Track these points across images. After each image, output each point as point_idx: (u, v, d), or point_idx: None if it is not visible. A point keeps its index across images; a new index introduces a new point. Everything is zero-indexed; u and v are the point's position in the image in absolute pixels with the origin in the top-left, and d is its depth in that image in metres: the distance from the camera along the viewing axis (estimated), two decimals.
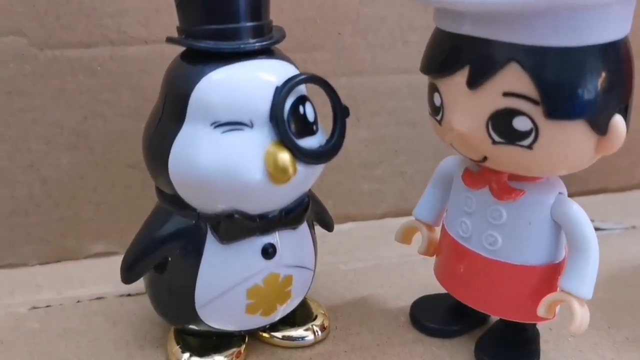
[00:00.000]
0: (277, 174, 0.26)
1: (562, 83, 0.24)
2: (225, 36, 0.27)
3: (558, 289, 0.29)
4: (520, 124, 0.25)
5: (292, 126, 0.27)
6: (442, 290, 0.34)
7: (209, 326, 0.31)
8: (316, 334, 0.34)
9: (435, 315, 0.35)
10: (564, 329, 0.34)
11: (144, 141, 0.29)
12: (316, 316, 0.35)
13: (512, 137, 0.26)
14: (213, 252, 0.29)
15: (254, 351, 0.33)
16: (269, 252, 0.29)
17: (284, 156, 0.26)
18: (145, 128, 0.29)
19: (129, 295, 0.39)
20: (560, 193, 0.29)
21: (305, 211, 0.30)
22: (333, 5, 0.43)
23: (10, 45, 0.38)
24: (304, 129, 0.28)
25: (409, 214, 0.36)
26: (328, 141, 0.28)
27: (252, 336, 0.34)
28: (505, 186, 0.29)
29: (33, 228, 0.42)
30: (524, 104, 0.25)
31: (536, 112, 0.25)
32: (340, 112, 0.29)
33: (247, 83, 0.26)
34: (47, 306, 0.38)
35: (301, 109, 0.28)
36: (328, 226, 0.36)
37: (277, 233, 0.30)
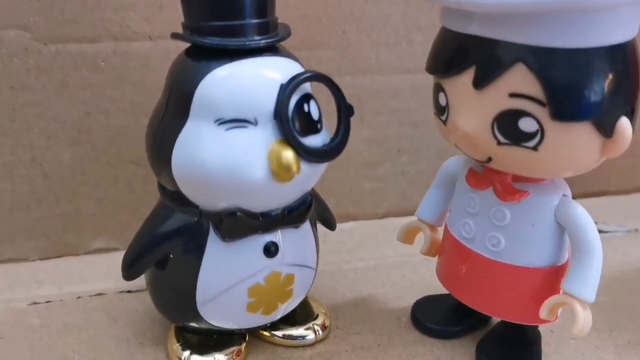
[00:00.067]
0: (280, 172, 0.26)
1: (569, 84, 0.24)
2: (231, 33, 0.27)
3: (561, 291, 0.29)
4: (526, 125, 0.25)
5: (297, 124, 0.27)
6: (444, 291, 0.34)
7: (210, 324, 0.31)
8: (317, 333, 0.34)
9: (437, 316, 0.35)
10: (566, 331, 0.34)
11: (147, 137, 0.29)
12: (317, 315, 0.35)
13: (518, 138, 0.25)
14: (215, 250, 0.29)
15: (254, 350, 0.33)
16: (271, 250, 0.29)
17: (288, 154, 0.26)
18: (149, 124, 0.29)
19: (129, 291, 0.39)
20: (564, 195, 0.29)
21: (308, 210, 0.30)
22: (338, 3, 0.43)
23: (14, 40, 0.38)
24: (308, 127, 0.27)
25: (410, 213, 0.36)
26: (332, 140, 0.28)
27: (252, 334, 0.34)
28: (510, 187, 0.29)
29: (34, 223, 0.42)
30: (530, 105, 0.25)
31: (542, 113, 0.24)
32: (345, 111, 0.29)
33: (252, 80, 0.26)
34: (48, 302, 0.38)
35: (306, 107, 0.27)
36: (330, 225, 0.36)
37: (279, 231, 0.29)
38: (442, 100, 0.28)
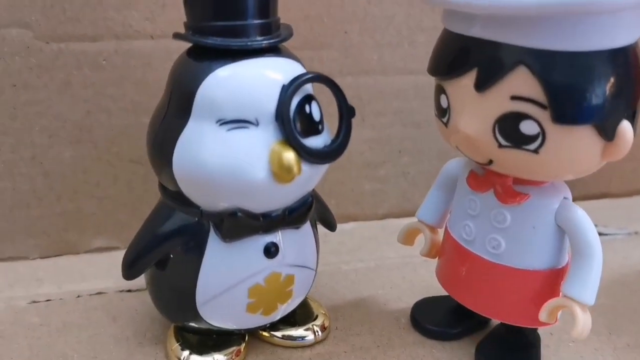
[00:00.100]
0: (281, 173, 0.26)
1: (571, 88, 0.24)
2: (233, 33, 0.27)
3: (560, 294, 0.29)
4: (527, 128, 0.25)
5: (298, 125, 0.27)
6: (444, 293, 0.34)
7: (209, 324, 0.31)
8: (316, 334, 0.34)
9: (436, 318, 0.35)
10: (565, 334, 0.34)
11: (148, 137, 0.29)
12: (317, 316, 0.35)
13: (519, 141, 0.25)
14: (215, 250, 0.29)
15: (253, 350, 0.33)
16: (271, 251, 0.29)
17: (289, 155, 0.26)
18: (150, 124, 0.29)
19: (129, 291, 0.39)
20: (565, 198, 0.29)
21: (309, 211, 0.30)
22: (341, 3, 0.43)
23: (16, 38, 0.38)
24: (309, 128, 0.27)
25: (411, 214, 0.36)
26: (333, 141, 0.28)
27: (252, 335, 0.34)
28: (510, 190, 0.29)
29: (35, 221, 0.42)
30: (531, 108, 0.25)
31: (544, 116, 0.24)
32: (346, 112, 0.29)
33: (254, 81, 0.26)
34: (47, 300, 0.38)
35: (307, 108, 0.27)
36: (331, 226, 0.36)
37: (279, 232, 0.29)
38: (444, 102, 0.28)
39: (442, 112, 0.29)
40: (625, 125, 0.25)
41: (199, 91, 0.26)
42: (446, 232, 0.33)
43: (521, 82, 0.25)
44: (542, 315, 0.29)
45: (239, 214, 0.27)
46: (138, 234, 0.30)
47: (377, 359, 0.33)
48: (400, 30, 0.44)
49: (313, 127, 0.28)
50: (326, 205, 0.35)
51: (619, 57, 0.24)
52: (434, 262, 0.35)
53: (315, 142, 0.27)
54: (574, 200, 0.30)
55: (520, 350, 0.33)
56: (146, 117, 0.30)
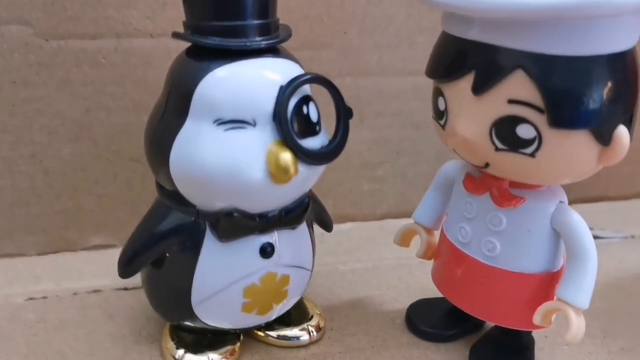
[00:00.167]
0: (278, 174, 0.26)
1: (568, 92, 0.24)
2: (232, 33, 0.27)
3: (555, 297, 0.29)
4: (524, 131, 0.25)
5: (295, 126, 0.27)
6: (439, 294, 0.34)
7: (205, 323, 0.31)
8: (311, 334, 0.34)
9: (431, 319, 0.35)
10: (560, 337, 0.34)
11: (146, 135, 0.29)
12: (312, 316, 0.35)
13: (516, 144, 0.26)
14: (211, 250, 0.29)
15: (248, 349, 0.33)
16: (267, 251, 0.29)
17: (286, 156, 0.26)
18: (148, 122, 0.29)
19: (125, 289, 0.39)
20: (560, 202, 0.29)
21: (305, 211, 0.30)
22: (341, 4, 0.43)
23: (16, 35, 0.38)
24: (306, 129, 0.27)
25: (409, 215, 0.36)
26: (330, 142, 0.28)
27: (247, 334, 0.34)
28: (506, 193, 0.29)
29: (34, 219, 0.42)
30: (528, 111, 0.25)
31: (540, 120, 0.25)
32: (344, 113, 0.29)
33: (252, 81, 0.26)
34: (44, 297, 0.38)
35: (305, 109, 0.27)
36: (327, 226, 0.36)
37: (275, 232, 0.29)
38: (441, 105, 0.28)
39: (440, 115, 0.29)
40: (622, 130, 0.25)
41: (197, 91, 0.26)
42: (442, 234, 0.33)
43: (518, 85, 0.25)
44: (537, 319, 0.29)
45: (236, 214, 0.28)
46: (134, 232, 0.30)
47: None
48: (399, 31, 0.44)
49: (310, 128, 0.28)
50: (323, 206, 0.35)
51: (617, 62, 0.25)
52: (429, 264, 0.35)
53: (312, 143, 0.28)
54: (571, 203, 0.30)
55: (514, 352, 0.33)
56: (146, 115, 0.30)
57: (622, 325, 0.37)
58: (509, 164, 0.27)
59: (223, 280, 0.29)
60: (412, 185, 0.49)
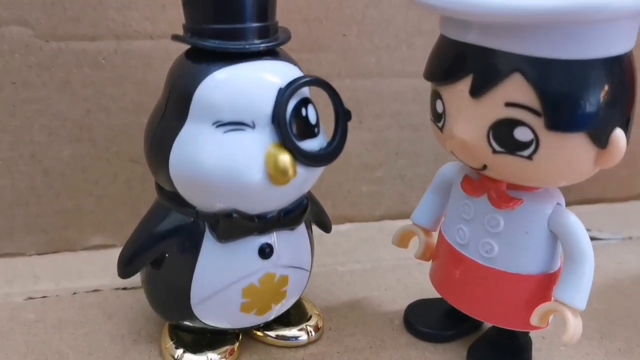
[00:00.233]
0: (277, 176, 0.26)
1: (565, 95, 0.24)
2: (231, 36, 0.27)
3: (552, 298, 0.29)
4: (521, 134, 0.25)
5: (294, 128, 0.27)
6: (437, 295, 0.34)
7: (204, 323, 0.31)
8: (310, 334, 0.34)
9: (429, 320, 0.36)
10: (557, 337, 0.34)
11: (145, 137, 0.29)
12: (310, 317, 0.35)
13: (513, 147, 0.26)
14: (210, 250, 0.29)
15: (247, 349, 0.34)
16: (266, 252, 0.29)
17: (285, 158, 0.26)
18: (148, 124, 0.29)
19: (124, 288, 0.39)
20: (558, 204, 0.29)
21: (304, 213, 0.30)
22: (339, 6, 0.43)
23: (16, 36, 0.38)
24: (305, 131, 0.28)
25: (407, 217, 0.36)
26: (329, 144, 0.29)
27: (246, 334, 0.34)
28: (504, 195, 0.29)
29: (34, 219, 0.42)
30: (525, 114, 0.25)
31: (537, 123, 0.25)
32: (342, 116, 0.29)
33: (251, 84, 0.26)
34: (44, 297, 0.38)
35: (303, 111, 0.28)
36: (326, 227, 0.36)
37: (274, 233, 0.30)
38: (439, 108, 0.28)
39: (438, 117, 0.29)
40: (619, 134, 0.25)
41: (196, 93, 0.26)
42: (440, 235, 0.33)
43: (516, 89, 0.25)
44: (534, 320, 0.29)
45: (235, 215, 0.28)
46: (134, 233, 0.30)
47: None
48: (398, 34, 0.44)
49: (309, 130, 0.28)
50: (321, 207, 0.35)
51: (614, 66, 0.25)
52: (428, 265, 0.35)
53: (311, 145, 0.28)
54: (569, 204, 0.30)
55: (512, 353, 0.33)
56: (145, 116, 0.30)
57: (620, 326, 0.37)
58: (506, 167, 0.27)
59: (222, 281, 0.29)
60: (411, 186, 0.50)
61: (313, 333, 0.34)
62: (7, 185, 0.41)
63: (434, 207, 0.34)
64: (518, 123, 0.25)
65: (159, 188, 0.30)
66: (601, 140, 0.25)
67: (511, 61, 0.25)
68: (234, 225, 0.28)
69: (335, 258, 0.44)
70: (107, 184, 0.43)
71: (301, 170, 0.27)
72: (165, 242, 0.29)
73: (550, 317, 0.30)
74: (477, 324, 0.35)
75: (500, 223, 0.29)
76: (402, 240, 0.36)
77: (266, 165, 0.26)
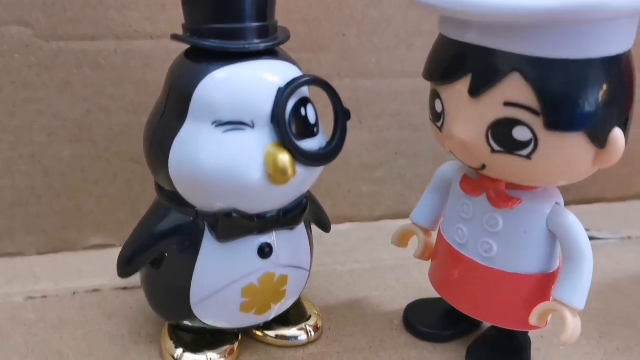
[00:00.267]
0: (276, 175, 0.26)
1: (564, 95, 0.24)
2: (230, 36, 0.27)
3: (551, 298, 0.30)
4: (520, 134, 0.25)
5: (293, 128, 0.27)
6: (437, 295, 0.34)
7: (203, 323, 0.31)
8: (309, 334, 0.34)
9: (429, 320, 0.36)
10: (556, 337, 0.34)
11: (145, 137, 0.29)
12: (310, 316, 0.35)
13: (512, 146, 0.26)
14: (210, 250, 0.29)
15: (247, 349, 0.34)
16: (265, 251, 0.29)
17: (284, 157, 0.26)
18: (147, 123, 0.29)
19: (124, 288, 0.39)
20: (557, 203, 0.29)
21: (303, 212, 0.31)
22: (339, 6, 0.43)
23: (16, 36, 0.38)
24: (305, 130, 0.28)
25: (407, 216, 0.36)
26: (328, 144, 0.29)
27: (245, 334, 0.34)
28: (503, 194, 0.29)
29: (34, 219, 0.42)
30: (524, 114, 0.25)
31: (536, 122, 0.25)
32: (342, 115, 0.29)
33: (250, 83, 0.27)
34: (44, 297, 0.38)
35: (303, 110, 0.28)
36: (325, 227, 0.36)
37: (274, 233, 0.30)
38: (438, 107, 0.29)
39: (437, 117, 0.29)
40: (617, 133, 0.25)
41: (195, 92, 0.26)
42: (439, 235, 0.34)
43: (515, 88, 0.25)
44: (533, 319, 0.29)
45: (234, 214, 0.28)
46: (134, 232, 0.30)
47: None
48: (398, 34, 0.45)
49: (308, 130, 0.28)
50: (321, 207, 0.35)
51: (613, 65, 0.25)
52: (427, 265, 0.36)
53: (310, 144, 0.28)
54: (568, 204, 0.30)
55: (511, 353, 0.33)
56: (145, 116, 0.30)
57: (619, 326, 0.37)
58: (505, 166, 0.27)
59: (222, 280, 0.29)
60: (410, 186, 0.50)
61: (312, 333, 0.34)
62: (7, 185, 0.41)
63: (433, 206, 0.35)
64: (517, 123, 0.25)
65: (159, 188, 0.30)
66: (600, 139, 0.25)
67: (510, 61, 0.25)
68: (233, 224, 0.28)
69: (335, 258, 0.44)
70: (107, 184, 0.43)
71: (300, 169, 0.27)
72: (165, 241, 0.29)
73: (549, 317, 0.30)
74: (477, 324, 0.35)
75: (499, 223, 0.29)
76: (401, 240, 0.36)
77: (265, 165, 0.26)
